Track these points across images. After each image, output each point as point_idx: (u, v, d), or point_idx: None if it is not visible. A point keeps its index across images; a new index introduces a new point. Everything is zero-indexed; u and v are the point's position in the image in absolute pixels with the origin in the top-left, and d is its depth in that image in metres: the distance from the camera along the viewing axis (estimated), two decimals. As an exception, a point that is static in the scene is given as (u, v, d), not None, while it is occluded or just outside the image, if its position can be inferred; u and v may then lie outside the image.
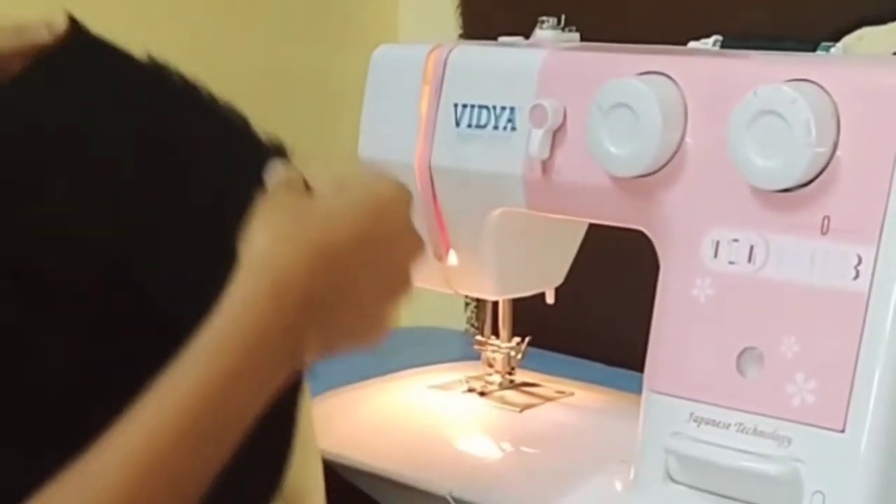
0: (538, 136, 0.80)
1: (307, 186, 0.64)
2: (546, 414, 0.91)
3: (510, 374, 0.95)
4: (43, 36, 0.69)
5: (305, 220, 0.61)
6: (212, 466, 0.57)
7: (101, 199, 0.64)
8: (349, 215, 0.62)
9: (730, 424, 0.71)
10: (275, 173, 0.63)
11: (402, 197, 0.65)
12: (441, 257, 0.90)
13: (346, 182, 0.64)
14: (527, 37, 0.89)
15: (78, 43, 0.70)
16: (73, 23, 0.70)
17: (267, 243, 0.60)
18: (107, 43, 0.72)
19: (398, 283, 0.65)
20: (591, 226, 0.92)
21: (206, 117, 0.71)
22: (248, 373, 0.58)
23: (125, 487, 0.55)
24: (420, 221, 0.89)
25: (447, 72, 0.86)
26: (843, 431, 0.68)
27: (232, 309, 0.58)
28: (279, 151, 0.69)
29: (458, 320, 1.47)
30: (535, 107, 0.80)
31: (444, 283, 0.92)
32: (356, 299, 0.62)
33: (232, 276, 0.59)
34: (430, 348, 1.32)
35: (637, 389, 0.77)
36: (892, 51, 1.05)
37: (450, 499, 0.81)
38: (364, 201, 0.63)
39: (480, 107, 0.84)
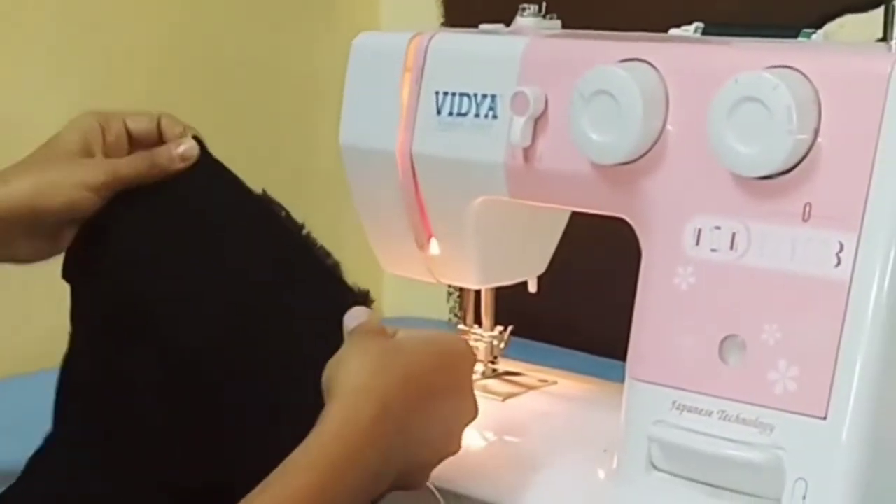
0: (520, 124, 0.79)
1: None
2: (529, 403, 0.91)
3: (493, 363, 0.95)
4: (175, 164, 0.78)
5: (395, 354, 0.70)
6: None
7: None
8: (430, 352, 0.72)
9: (712, 412, 0.71)
10: (357, 316, 0.73)
11: (470, 356, 0.75)
12: (423, 246, 0.90)
13: (416, 330, 0.74)
14: (508, 24, 0.89)
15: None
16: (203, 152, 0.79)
17: (366, 372, 0.68)
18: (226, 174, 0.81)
19: (454, 438, 0.74)
20: (574, 214, 0.92)
21: (311, 259, 0.81)
22: (343, 483, 0.65)
23: None
24: (401, 211, 0.89)
25: (428, 59, 0.86)
26: (825, 419, 0.68)
27: (334, 427, 0.66)
28: (365, 298, 0.79)
29: (441, 310, 1.47)
30: (516, 94, 0.80)
31: (427, 273, 0.92)
32: (425, 436, 0.71)
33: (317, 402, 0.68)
34: (413, 338, 1.32)
35: (620, 378, 0.77)
36: (874, 38, 1.05)
37: (432, 488, 0.81)
38: (436, 343, 0.73)
39: (462, 94, 0.84)
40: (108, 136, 0.79)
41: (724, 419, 0.71)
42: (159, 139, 0.81)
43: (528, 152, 0.81)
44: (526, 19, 0.88)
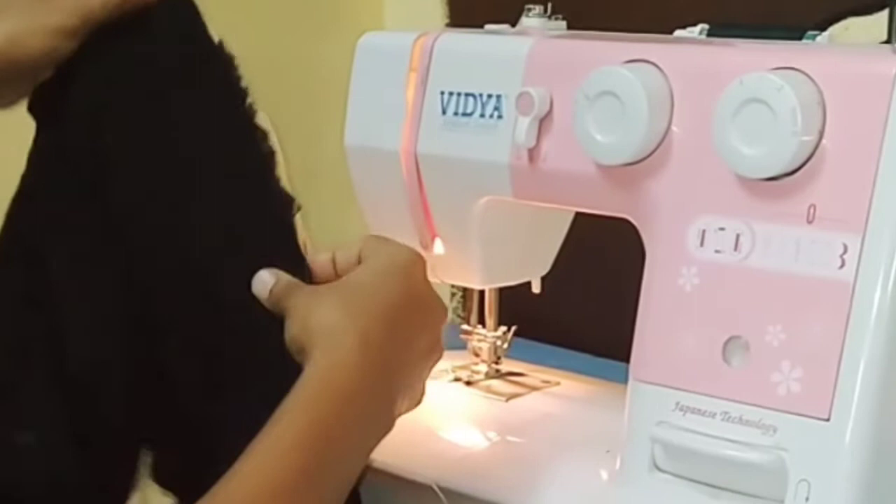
0: (524, 124, 0.79)
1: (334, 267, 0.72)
2: (532, 403, 0.91)
3: (496, 363, 0.95)
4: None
5: (357, 296, 0.68)
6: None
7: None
8: (387, 283, 0.70)
9: (715, 413, 0.71)
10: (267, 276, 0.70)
11: (417, 257, 0.73)
12: (427, 246, 0.90)
13: (365, 255, 0.72)
14: (513, 25, 0.89)
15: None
16: None
17: (338, 316, 0.67)
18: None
19: (433, 347, 0.72)
20: (578, 214, 0.92)
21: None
22: (343, 423, 0.65)
23: None
24: (406, 211, 0.89)
25: (433, 59, 0.86)
26: (828, 420, 0.68)
27: (324, 370, 0.65)
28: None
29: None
30: (521, 95, 0.80)
31: (430, 272, 0.92)
32: (411, 362, 0.70)
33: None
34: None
35: (623, 380, 0.77)
36: (878, 40, 1.05)
37: (435, 488, 0.81)
38: (391, 267, 0.71)
39: (467, 94, 0.84)
40: None
41: (728, 420, 0.71)
42: None
43: (532, 153, 0.81)
44: (531, 20, 0.88)
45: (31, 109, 0.77)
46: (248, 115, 0.76)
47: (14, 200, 0.76)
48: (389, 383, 0.68)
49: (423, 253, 0.88)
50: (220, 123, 0.75)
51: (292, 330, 0.68)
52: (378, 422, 0.68)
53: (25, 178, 0.76)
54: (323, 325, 0.67)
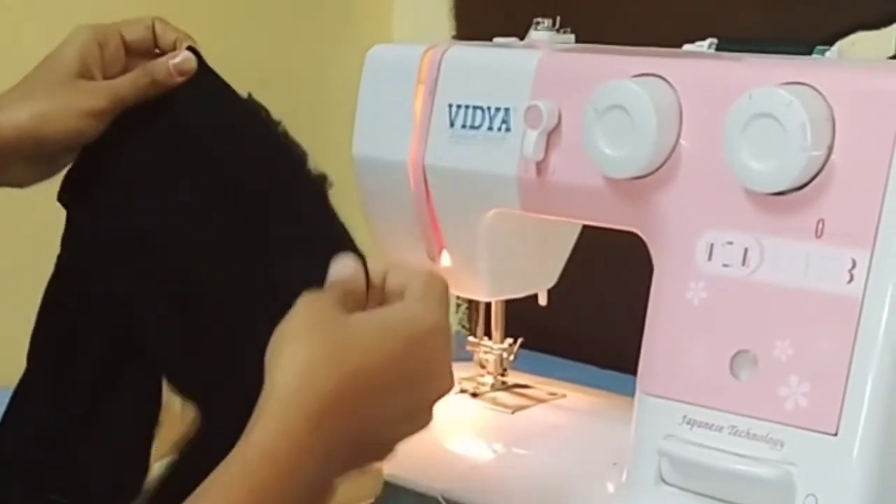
0: (533, 137, 0.80)
1: (367, 283, 0.64)
2: (538, 415, 0.91)
3: (502, 375, 0.95)
4: (174, 79, 0.76)
5: (343, 349, 0.60)
6: None
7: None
8: (385, 346, 0.61)
9: (723, 427, 0.71)
10: (338, 271, 0.64)
11: (441, 329, 0.64)
12: (434, 258, 0.90)
13: (382, 312, 0.63)
14: (522, 38, 0.89)
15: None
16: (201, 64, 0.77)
17: (305, 366, 0.59)
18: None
19: (420, 418, 0.64)
20: (585, 227, 0.92)
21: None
22: (282, 495, 0.58)
23: None
24: (413, 223, 0.89)
25: (442, 72, 0.86)
26: (835, 435, 0.67)
27: (267, 439, 0.58)
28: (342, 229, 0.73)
29: (451, 322, 1.47)
30: (529, 108, 0.80)
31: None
32: (378, 428, 0.62)
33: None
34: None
35: (630, 392, 0.77)
36: (886, 55, 1.05)
37: (441, 500, 0.81)
38: (399, 328, 0.62)
39: (475, 107, 0.84)
40: (105, 53, 0.77)
41: (735, 434, 0.71)
42: (154, 45, 0.79)
43: (540, 166, 0.81)
44: (540, 33, 0.88)
45: (60, 199, 0.77)
46: (298, 159, 0.76)
47: (51, 281, 0.76)
48: (352, 445, 0.61)
49: (432, 266, 0.88)
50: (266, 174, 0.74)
51: (272, 343, 0.61)
52: (323, 490, 0.61)
53: (61, 259, 0.77)
54: (283, 376, 0.59)
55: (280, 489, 0.58)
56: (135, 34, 0.79)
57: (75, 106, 0.74)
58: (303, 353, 0.59)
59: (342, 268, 0.64)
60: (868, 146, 0.69)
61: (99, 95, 0.75)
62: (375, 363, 0.60)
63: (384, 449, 0.64)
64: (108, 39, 0.78)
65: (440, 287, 0.65)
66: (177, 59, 0.76)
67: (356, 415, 0.60)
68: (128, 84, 0.76)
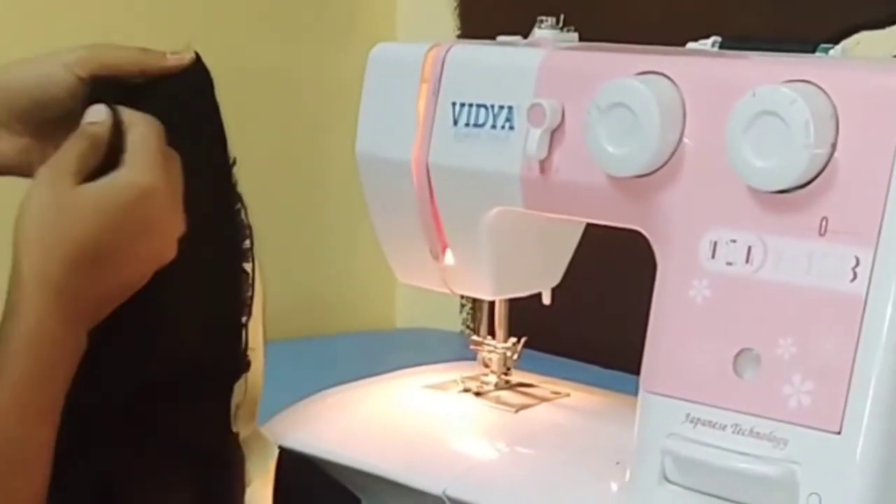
0: (536, 136, 0.80)
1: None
2: (542, 414, 0.91)
3: (506, 374, 0.95)
4: (168, 62, 0.74)
5: (62, 231, 0.66)
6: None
7: None
8: (99, 221, 0.66)
9: (726, 426, 0.71)
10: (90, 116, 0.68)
11: (148, 193, 0.67)
12: (438, 257, 0.90)
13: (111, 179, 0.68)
14: (525, 36, 0.89)
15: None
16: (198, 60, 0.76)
17: (36, 231, 0.65)
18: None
19: (154, 255, 0.69)
20: (589, 227, 0.92)
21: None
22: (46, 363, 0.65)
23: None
24: (416, 222, 0.89)
25: (445, 70, 0.86)
26: (839, 433, 0.67)
27: (25, 335, 0.65)
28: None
29: (454, 321, 1.47)
30: (533, 106, 0.80)
31: (441, 283, 0.92)
32: (112, 278, 0.68)
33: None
34: (426, 349, 1.32)
35: (633, 392, 0.77)
36: (891, 54, 1.05)
37: (444, 498, 0.81)
38: (115, 203, 0.67)
39: (478, 106, 0.84)
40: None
41: (738, 433, 0.70)
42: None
43: (544, 164, 0.81)
44: (543, 31, 0.88)
45: None
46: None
47: None
48: (95, 301, 0.67)
49: (435, 265, 0.88)
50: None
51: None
52: (73, 340, 0.67)
53: None
54: (21, 254, 0.65)
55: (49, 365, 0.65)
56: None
57: (62, 60, 0.72)
58: (37, 213, 0.66)
59: (93, 114, 0.69)
60: (872, 144, 0.69)
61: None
62: (96, 233, 0.66)
63: (131, 287, 0.69)
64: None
65: (153, 142, 0.69)
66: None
67: (89, 281, 0.66)
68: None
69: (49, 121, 0.73)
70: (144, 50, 0.74)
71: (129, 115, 0.69)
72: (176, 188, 0.69)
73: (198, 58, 0.75)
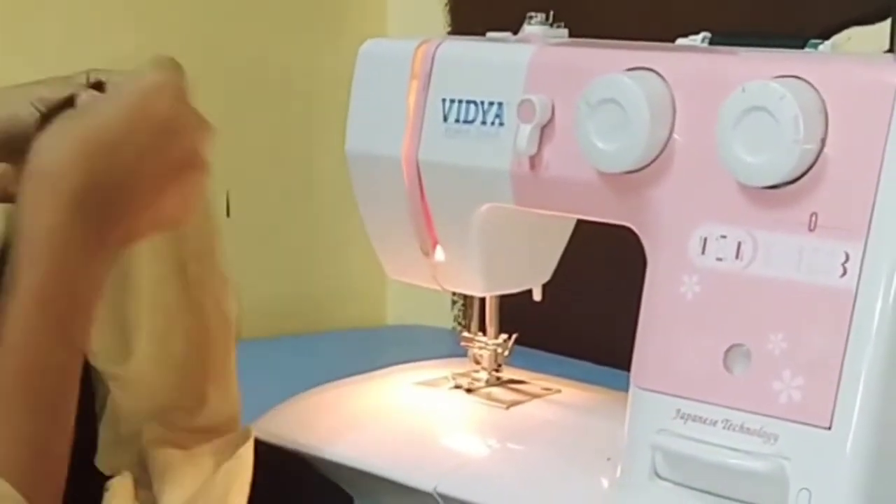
0: (526, 132, 0.79)
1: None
2: (533, 411, 0.91)
3: (497, 370, 0.95)
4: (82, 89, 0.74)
5: (71, 123, 0.65)
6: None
7: None
8: (112, 111, 0.66)
9: (716, 421, 0.71)
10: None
11: (167, 81, 0.68)
12: (428, 253, 0.90)
13: (113, 85, 0.70)
14: (515, 32, 0.89)
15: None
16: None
17: (45, 151, 0.64)
18: None
19: (185, 164, 0.68)
20: (579, 223, 0.92)
21: None
22: (58, 278, 0.63)
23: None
24: (406, 218, 0.89)
25: (435, 66, 0.86)
26: (829, 429, 0.67)
27: (26, 220, 0.63)
28: None
29: (445, 318, 1.47)
30: (523, 102, 0.80)
31: (431, 279, 0.92)
32: (139, 186, 0.66)
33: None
34: (417, 346, 1.32)
35: (624, 388, 0.77)
36: (881, 50, 1.05)
37: (435, 495, 0.81)
38: (128, 94, 0.67)
39: (468, 102, 0.84)
40: None
41: (729, 428, 0.71)
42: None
43: (534, 160, 0.81)
44: (533, 27, 0.88)
45: None
46: None
47: None
48: (103, 215, 0.65)
49: (426, 261, 0.87)
50: None
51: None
52: (94, 259, 0.65)
53: None
54: (39, 173, 0.64)
55: (53, 268, 0.63)
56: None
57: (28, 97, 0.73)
58: (47, 139, 0.65)
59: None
60: (861, 139, 0.69)
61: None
62: (108, 129, 0.65)
63: (169, 206, 0.68)
64: None
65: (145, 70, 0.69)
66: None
67: (101, 184, 0.64)
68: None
69: (21, 151, 0.72)
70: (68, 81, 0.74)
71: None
72: (182, 91, 0.68)
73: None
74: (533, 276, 0.94)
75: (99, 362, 0.76)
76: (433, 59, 0.86)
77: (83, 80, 0.74)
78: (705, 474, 0.71)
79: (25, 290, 0.63)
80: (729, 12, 1.09)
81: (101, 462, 0.78)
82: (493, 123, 0.82)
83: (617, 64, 0.77)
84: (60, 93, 0.73)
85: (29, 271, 0.63)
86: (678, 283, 0.73)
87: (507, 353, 0.95)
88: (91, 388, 0.77)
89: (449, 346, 1.10)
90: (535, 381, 0.95)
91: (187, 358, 0.80)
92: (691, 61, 0.77)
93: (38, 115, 0.72)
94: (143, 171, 0.66)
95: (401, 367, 1.00)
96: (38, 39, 1.21)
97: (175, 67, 0.70)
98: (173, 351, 0.79)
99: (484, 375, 0.95)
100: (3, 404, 0.62)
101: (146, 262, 0.78)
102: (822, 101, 0.70)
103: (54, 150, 0.64)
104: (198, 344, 0.80)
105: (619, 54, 0.79)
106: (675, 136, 0.75)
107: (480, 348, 0.95)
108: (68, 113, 0.67)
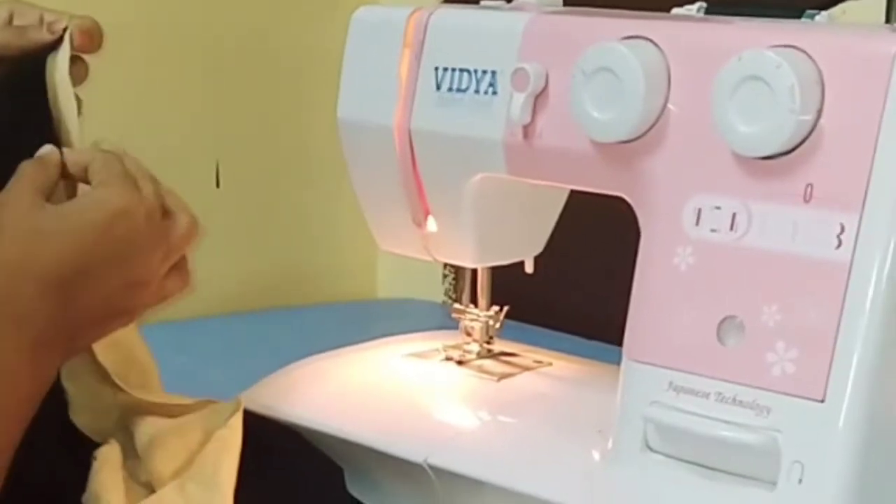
0: (520, 101, 0.79)
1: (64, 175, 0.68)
2: (524, 383, 0.90)
3: (488, 343, 0.94)
4: (43, 36, 0.72)
5: (34, 251, 0.64)
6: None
7: None
8: (78, 244, 0.65)
9: (709, 393, 0.71)
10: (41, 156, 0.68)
11: (124, 210, 0.67)
12: (420, 223, 0.89)
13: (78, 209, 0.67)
14: (509, 0, 0.88)
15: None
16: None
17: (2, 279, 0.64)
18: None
19: (139, 283, 0.68)
20: (572, 196, 0.91)
21: None
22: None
23: None
24: (398, 188, 0.88)
25: (428, 34, 0.85)
26: (822, 401, 0.67)
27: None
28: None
29: (436, 292, 1.46)
30: (516, 71, 0.79)
31: (423, 250, 0.91)
32: (94, 312, 0.67)
33: None
34: (407, 319, 1.32)
35: (616, 362, 0.76)
36: (877, 24, 1.04)
37: (426, 466, 0.80)
38: (92, 226, 0.66)
39: (461, 70, 0.83)
40: None
41: (721, 401, 0.70)
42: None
43: (527, 129, 0.80)
44: (528, -5, 0.87)
45: None
46: None
47: None
48: (63, 339, 0.66)
49: (418, 232, 0.87)
50: None
51: None
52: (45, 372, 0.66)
53: None
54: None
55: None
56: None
57: None
58: (16, 236, 0.64)
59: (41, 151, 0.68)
60: (857, 110, 0.68)
61: None
62: (70, 260, 0.65)
63: (122, 316, 0.68)
64: None
65: (116, 166, 0.68)
66: (51, 18, 0.73)
67: (64, 311, 0.65)
68: None
69: None
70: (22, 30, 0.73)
71: (78, 153, 0.69)
72: (152, 211, 0.68)
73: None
74: (525, 248, 0.93)
75: None
76: (426, 26, 0.85)
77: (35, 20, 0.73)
78: (697, 447, 0.71)
79: None
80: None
81: (79, 422, 0.78)
82: (486, 92, 0.82)
83: (612, 32, 0.76)
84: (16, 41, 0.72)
85: None
86: (672, 254, 0.73)
87: (498, 325, 0.94)
88: None
89: (439, 320, 1.09)
90: (527, 354, 0.94)
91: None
92: (687, 30, 0.76)
93: None
94: (100, 297, 0.66)
95: (391, 338, 1.00)
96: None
97: (121, 157, 0.69)
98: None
99: (475, 347, 0.94)
100: None
101: None
102: (819, 71, 0.69)
103: (23, 284, 0.64)
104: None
105: (614, 23, 0.78)
106: (670, 105, 0.74)
107: (472, 320, 0.94)
108: (40, 226, 0.65)
